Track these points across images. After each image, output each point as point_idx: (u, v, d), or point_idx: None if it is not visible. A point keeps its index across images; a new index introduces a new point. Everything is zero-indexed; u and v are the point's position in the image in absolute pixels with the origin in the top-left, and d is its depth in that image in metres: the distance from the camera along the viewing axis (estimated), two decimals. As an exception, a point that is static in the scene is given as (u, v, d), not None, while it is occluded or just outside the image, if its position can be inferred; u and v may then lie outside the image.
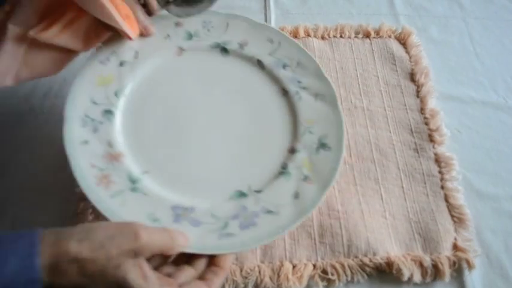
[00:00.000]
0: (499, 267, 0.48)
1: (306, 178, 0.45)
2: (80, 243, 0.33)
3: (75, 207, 0.50)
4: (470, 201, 0.52)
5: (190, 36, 0.53)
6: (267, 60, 0.52)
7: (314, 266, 0.46)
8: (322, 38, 0.65)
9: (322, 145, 0.47)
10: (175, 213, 0.43)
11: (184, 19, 0.53)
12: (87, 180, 0.42)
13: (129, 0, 0.48)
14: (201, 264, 0.39)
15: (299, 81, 0.51)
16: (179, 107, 0.49)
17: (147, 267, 0.34)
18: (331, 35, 0.65)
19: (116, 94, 0.48)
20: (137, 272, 0.34)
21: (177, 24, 0.53)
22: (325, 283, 0.46)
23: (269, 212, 0.43)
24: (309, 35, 0.65)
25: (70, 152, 0.44)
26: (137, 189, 0.43)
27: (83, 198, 0.51)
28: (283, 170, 0.46)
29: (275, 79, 0.52)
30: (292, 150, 0.47)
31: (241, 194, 0.45)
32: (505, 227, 0.50)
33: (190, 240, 0.40)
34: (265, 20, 0.68)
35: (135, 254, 0.34)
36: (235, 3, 0.70)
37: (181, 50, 0.53)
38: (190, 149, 0.47)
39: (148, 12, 0.51)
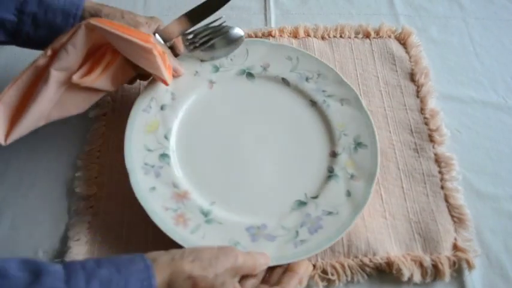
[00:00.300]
0: (499, 267, 0.47)
1: (352, 176, 0.50)
2: (192, 263, 0.38)
3: (76, 208, 0.50)
4: (470, 201, 0.52)
5: (217, 69, 0.57)
6: (290, 77, 0.57)
7: (314, 266, 0.46)
8: (322, 38, 0.65)
9: (359, 144, 0.52)
10: (250, 234, 0.46)
11: None
12: (166, 223, 0.46)
13: (161, 45, 0.51)
14: (278, 273, 0.44)
15: (323, 91, 0.55)
16: (224, 135, 0.53)
17: (238, 285, 0.40)
18: (331, 35, 0.65)
19: (166, 137, 0.52)
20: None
21: (202, 59, 0.57)
22: (325, 283, 0.46)
23: (330, 213, 0.47)
24: (309, 35, 0.65)
25: (142, 200, 0.46)
26: (211, 220, 0.47)
27: (83, 198, 0.51)
28: (330, 173, 0.51)
29: (301, 93, 0.56)
30: (333, 154, 0.52)
31: (301, 203, 0.49)
32: (504, 227, 0.50)
33: (270, 255, 0.44)
34: (265, 20, 0.68)
35: (235, 273, 0.40)
36: (235, 3, 0.70)
37: (211, 83, 0.56)
38: (244, 172, 0.51)
39: (175, 54, 0.54)
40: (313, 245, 0.45)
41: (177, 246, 0.44)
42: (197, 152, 0.52)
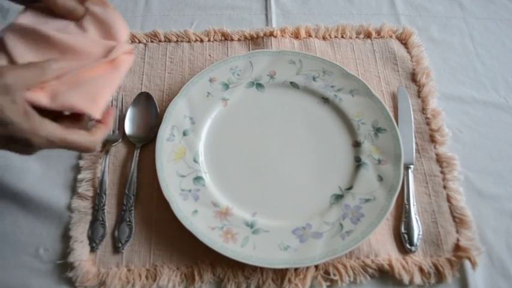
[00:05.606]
0: (501, 267, 0.48)
1: (380, 161, 0.52)
2: None
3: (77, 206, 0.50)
4: (472, 201, 0.52)
5: (227, 86, 0.58)
6: (298, 79, 0.58)
7: (316, 267, 0.47)
8: (324, 38, 0.65)
9: (378, 129, 0.54)
10: (298, 235, 0.48)
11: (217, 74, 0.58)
12: (216, 242, 0.47)
13: None
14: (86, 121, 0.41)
15: (332, 86, 0.57)
16: (249, 147, 0.55)
17: (26, 105, 0.35)
18: (332, 36, 0.65)
19: (195, 160, 0.53)
20: (16, 108, 0.34)
21: (211, 80, 0.58)
22: (328, 283, 0.46)
23: (367, 200, 0.49)
24: (310, 36, 0.65)
25: (188, 226, 0.47)
26: (258, 230, 0.48)
27: (85, 197, 0.51)
28: (358, 163, 0.53)
29: (312, 92, 0.57)
30: (356, 144, 0.54)
31: (338, 196, 0.51)
32: (506, 226, 0.50)
33: (320, 251, 0.45)
34: (266, 20, 0.68)
35: (4, 90, 0.34)
36: (236, 3, 0.70)
37: (225, 100, 0.57)
38: (277, 178, 0.52)
39: None
40: (359, 234, 0.47)
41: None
42: (228, 168, 0.53)
